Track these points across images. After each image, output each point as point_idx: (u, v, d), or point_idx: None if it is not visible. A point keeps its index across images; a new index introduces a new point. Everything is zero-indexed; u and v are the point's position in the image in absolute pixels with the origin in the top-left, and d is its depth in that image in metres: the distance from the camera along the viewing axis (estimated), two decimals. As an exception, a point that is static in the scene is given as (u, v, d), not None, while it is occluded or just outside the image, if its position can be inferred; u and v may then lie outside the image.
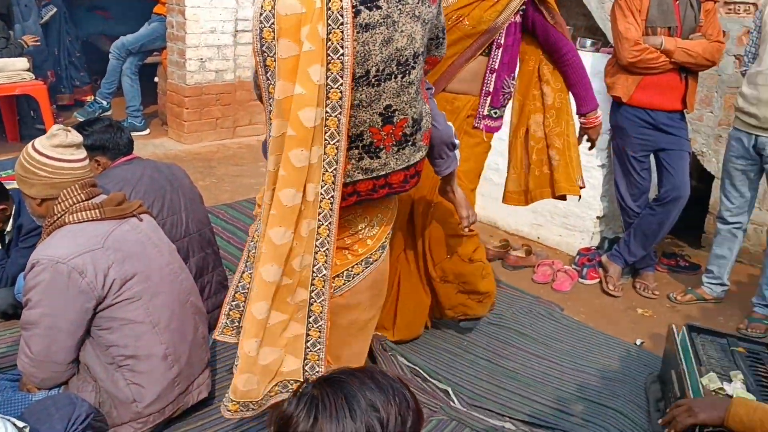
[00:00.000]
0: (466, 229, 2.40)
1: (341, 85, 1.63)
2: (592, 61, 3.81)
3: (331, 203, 1.76)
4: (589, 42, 4.06)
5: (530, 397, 2.66)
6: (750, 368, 2.45)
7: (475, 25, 2.46)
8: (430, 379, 2.69)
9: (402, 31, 1.69)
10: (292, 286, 1.80)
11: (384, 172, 1.87)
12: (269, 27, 1.61)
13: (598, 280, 3.78)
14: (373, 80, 1.71)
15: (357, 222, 2.02)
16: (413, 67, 1.76)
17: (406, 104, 1.79)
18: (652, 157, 3.59)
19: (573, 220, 4.09)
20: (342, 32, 1.59)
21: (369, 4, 1.63)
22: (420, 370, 2.73)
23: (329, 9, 1.57)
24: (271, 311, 1.78)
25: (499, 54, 2.54)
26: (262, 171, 5.07)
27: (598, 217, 4.05)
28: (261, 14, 1.62)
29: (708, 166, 4.21)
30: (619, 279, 3.72)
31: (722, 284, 3.61)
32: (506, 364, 2.89)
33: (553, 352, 3.00)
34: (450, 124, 2.14)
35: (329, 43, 1.59)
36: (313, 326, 1.88)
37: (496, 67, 2.56)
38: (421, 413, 1.14)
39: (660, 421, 2.21)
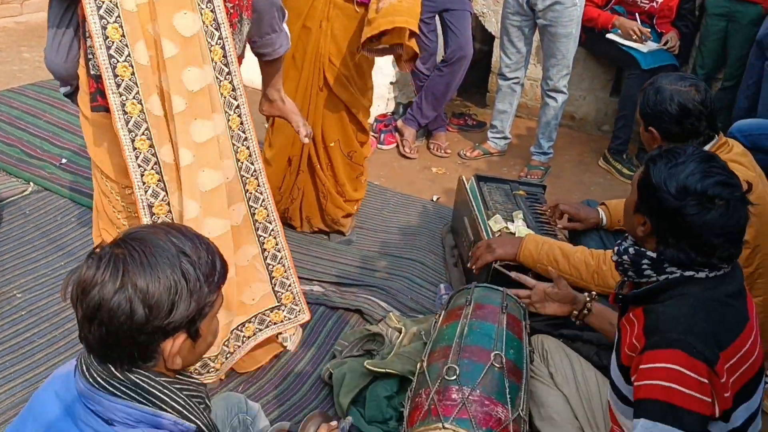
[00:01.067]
0: (305, 139, 2.20)
1: None
2: None
3: None
4: None
5: (336, 260, 2.73)
6: (529, 208, 2.69)
7: None
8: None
9: None
10: None
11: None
12: None
13: (395, 144, 3.89)
14: None
15: None
16: None
17: None
18: (437, 18, 3.65)
19: (368, 87, 4.11)
20: None
21: None
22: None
23: None
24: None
25: None
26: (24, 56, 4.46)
27: (391, 83, 4.11)
28: None
29: (489, 27, 4.39)
30: (414, 141, 3.85)
31: (505, 137, 3.88)
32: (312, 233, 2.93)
33: (358, 217, 3.07)
34: None
35: None
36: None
37: None
38: (223, 258, 1.11)
39: (469, 264, 2.37)
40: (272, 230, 1.99)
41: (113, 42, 1.57)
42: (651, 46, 3.69)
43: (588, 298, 1.87)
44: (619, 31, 3.73)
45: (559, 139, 3.83)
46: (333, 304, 2.46)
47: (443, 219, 3.12)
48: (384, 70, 4.00)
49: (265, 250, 1.98)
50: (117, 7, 1.55)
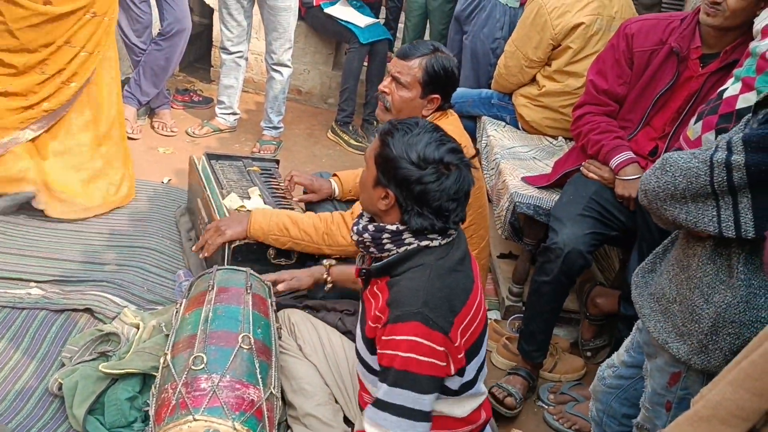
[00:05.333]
0: None
1: None
2: None
3: None
4: None
5: (57, 258, 2.45)
6: (265, 183, 2.66)
7: None
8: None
9: None
10: None
11: None
12: None
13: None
14: None
15: None
16: None
17: None
18: (149, -9, 3.42)
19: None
20: None
21: None
22: None
23: None
24: None
25: None
26: None
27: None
28: None
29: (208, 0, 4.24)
30: (136, 121, 3.59)
31: (234, 113, 3.80)
32: (35, 233, 2.58)
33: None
34: None
35: None
36: None
37: None
38: None
39: (193, 248, 2.28)
40: None
41: None
42: (368, 21, 3.87)
43: (326, 269, 1.93)
44: (335, 6, 3.86)
45: (288, 113, 3.86)
46: (56, 307, 2.19)
47: (176, 201, 2.96)
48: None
49: None
50: None
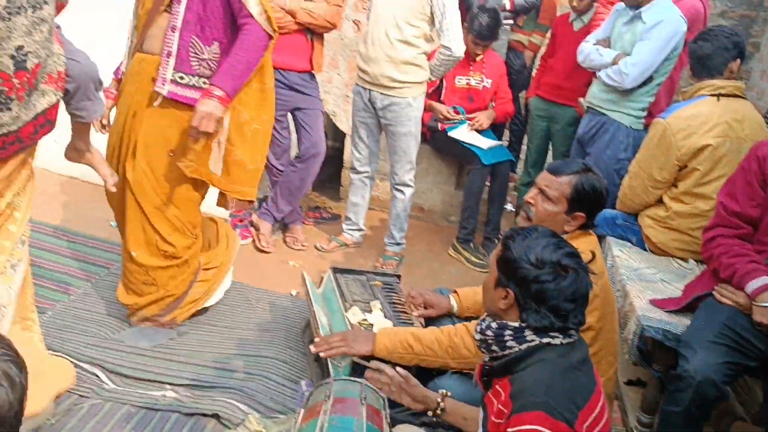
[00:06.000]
0: (113, 188, 2.28)
1: None
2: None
3: None
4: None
5: (190, 362, 2.60)
6: (386, 297, 2.74)
7: None
8: (80, 363, 2.45)
9: None
10: None
11: (15, 127, 1.64)
12: None
13: (251, 238, 3.85)
14: (4, 12, 1.48)
15: None
16: (46, 2, 1.59)
17: (39, 45, 1.60)
18: (290, 117, 3.75)
19: (221, 183, 4.08)
20: None
21: None
22: (66, 356, 2.46)
23: None
24: None
25: (181, 10, 2.36)
26: None
27: (245, 179, 4.10)
28: None
29: (340, 125, 4.57)
30: (270, 236, 3.84)
31: (359, 229, 3.98)
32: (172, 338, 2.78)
33: (214, 315, 2.97)
34: (94, 62, 1.99)
35: None
36: None
37: (178, 25, 2.37)
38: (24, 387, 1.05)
39: (312, 347, 2.33)
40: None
41: None
42: (490, 143, 4.01)
43: (439, 399, 1.93)
44: (459, 128, 4.04)
45: (410, 229, 3.98)
46: (188, 410, 2.32)
47: (302, 314, 3.09)
48: (238, 165, 4.00)
49: None
50: None
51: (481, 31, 3.92)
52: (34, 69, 1.61)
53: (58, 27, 1.93)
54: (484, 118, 4.10)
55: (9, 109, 1.59)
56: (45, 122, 1.76)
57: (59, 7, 1.84)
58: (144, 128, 2.50)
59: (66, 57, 1.80)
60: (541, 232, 1.58)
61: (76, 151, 2.19)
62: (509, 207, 4.67)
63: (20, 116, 1.64)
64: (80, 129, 2.15)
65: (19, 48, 1.55)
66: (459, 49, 3.42)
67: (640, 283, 2.61)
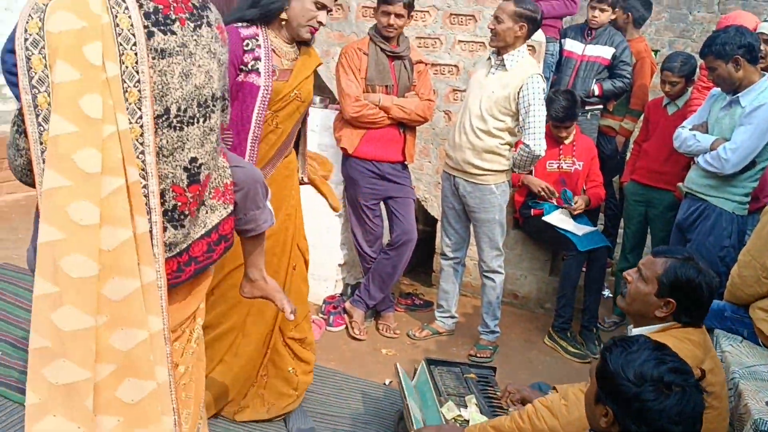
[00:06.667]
0: (291, 316, 2.06)
1: (141, 118, 1.34)
2: (321, 117, 4.00)
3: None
4: (318, 99, 4.26)
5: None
6: (481, 392, 2.69)
7: (305, 99, 2.59)
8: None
9: (200, 66, 1.45)
10: None
11: (186, 245, 1.54)
12: (39, 53, 1.26)
13: (344, 326, 3.90)
14: (175, 121, 1.42)
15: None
16: (213, 111, 1.53)
17: (209, 156, 1.54)
18: (382, 205, 3.84)
19: (317, 269, 4.18)
20: (136, 54, 1.31)
21: (162, 27, 1.37)
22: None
23: (117, 25, 1.29)
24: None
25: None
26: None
27: (339, 265, 4.20)
28: (26, 40, 1.26)
29: (431, 211, 4.63)
30: (363, 323, 3.88)
31: (452, 317, 3.95)
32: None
33: (306, 403, 2.99)
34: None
35: (123, 66, 1.30)
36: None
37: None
38: None
39: None
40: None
41: None
42: (585, 229, 3.94)
43: None
44: (553, 213, 4.01)
45: (504, 317, 3.92)
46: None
47: (395, 405, 3.07)
48: (333, 251, 4.12)
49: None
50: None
51: (558, 114, 3.95)
52: (204, 181, 1.54)
53: (228, 142, 1.96)
54: (581, 201, 4.06)
55: (183, 226, 1.49)
56: (219, 239, 1.62)
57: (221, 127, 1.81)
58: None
59: (231, 166, 1.72)
60: (642, 344, 1.48)
61: (251, 282, 2.04)
62: (607, 293, 4.53)
63: (191, 233, 1.54)
64: (251, 251, 1.98)
65: (193, 160, 1.49)
66: (538, 148, 3.43)
67: (755, 381, 2.44)
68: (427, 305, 4.34)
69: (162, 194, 1.43)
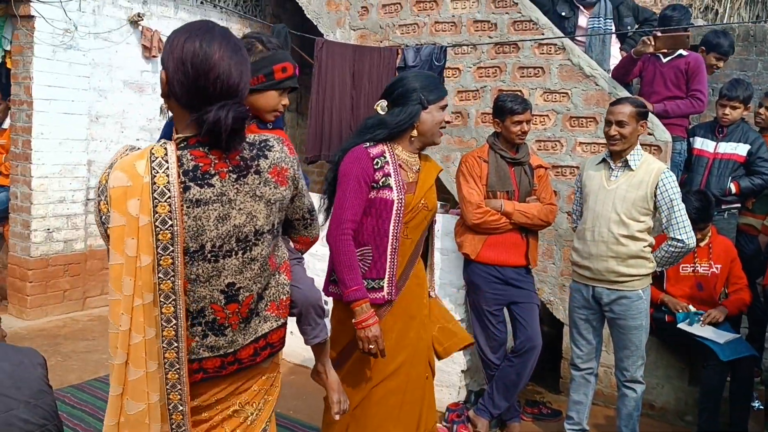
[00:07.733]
0: (336, 416, 2.29)
1: (172, 252, 1.63)
2: (443, 222, 4.06)
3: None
4: (438, 204, 4.34)
5: None
6: None
7: (431, 208, 2.72)
8: None
9: (240, 209, 1.71)
10: None
11: (232, 350, 1.80)
12: (104, 199, 1.66)
13: (468, 435, 3.79)
14: (209, 255, 1.70)
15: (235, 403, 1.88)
16: (255, 244, 1.77)
17: (250, 281, 1.78)
18: (505, 310, 3.78)
19: (440, 375, 4.12)
20: (169, 205, 1.62)
21: (200, 182, 1.66)
22: None
23: (154, 183, 1.61)
24: None
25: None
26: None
27: (462, 371, 4.13)
28: (99, 187, 1.70)
29: (556, 314, 4.49)
30: (488, 433, 3.75)
31: (582, 429, 3.73)
32: None
33: None
34: (317, 288, 2.17)
35: (156, 215, 1.61)
36: None
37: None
38: None
39: None
40: None
41: None
42: (727, 336, 3.67)
43: None
44: (688, 320, 3.77)
45: (641, 429, 3.65)
46: None
47: None
48: (455, 358, 4.06)
49: None
50: None
51: (691, 215, 3.74)
52: (246, 301, 1.79)
53: (300, 259, 2.18)
54: (717, 313, 3.79)
55: (224, 335, 1.77)
56: (266, 345, 1.87)
57: (303, 242, 2.09)
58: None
59: (291, 285, 1.95)
60: None
61: (316, 373, 2.29)
62: (757, 404, 4.12)
63: (237, 340, 1.79)
64: (314, 351, 2.27)
65: (231, 284, 1.75)
66: (692, 240, 3.29)
67: None
68: (555, 414, 4.14)
69: (202, 310, 1.73)
